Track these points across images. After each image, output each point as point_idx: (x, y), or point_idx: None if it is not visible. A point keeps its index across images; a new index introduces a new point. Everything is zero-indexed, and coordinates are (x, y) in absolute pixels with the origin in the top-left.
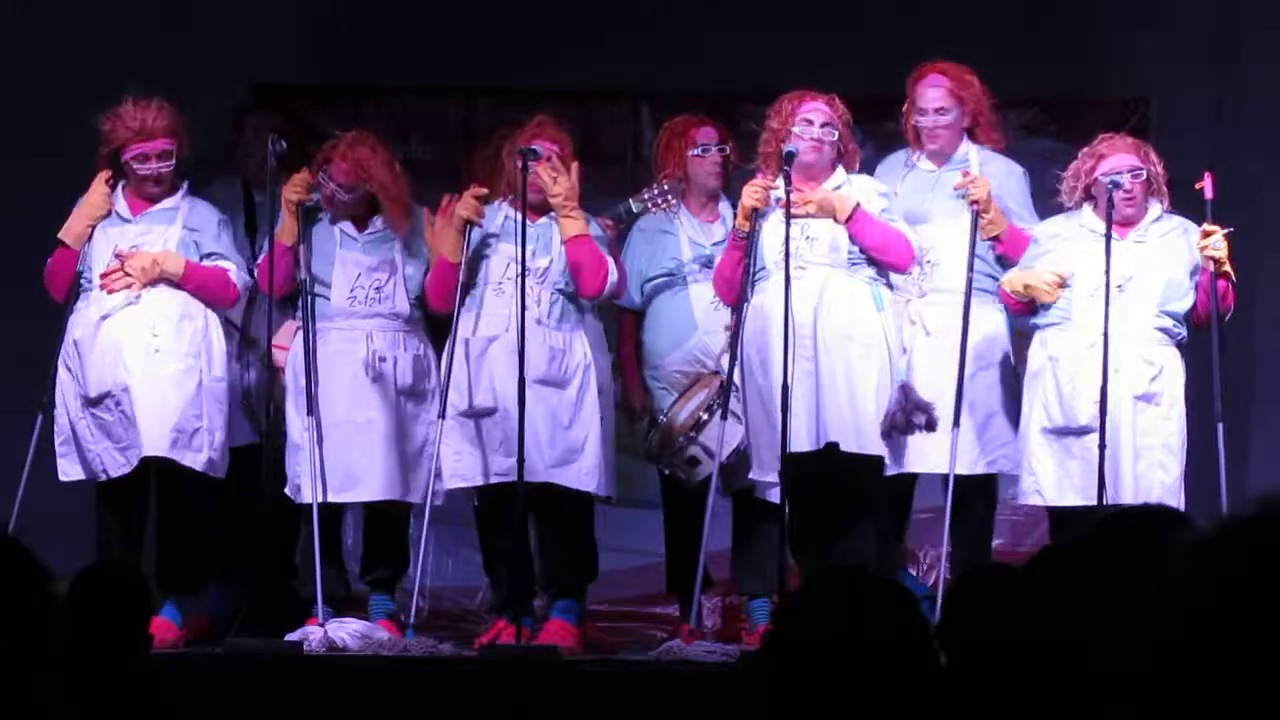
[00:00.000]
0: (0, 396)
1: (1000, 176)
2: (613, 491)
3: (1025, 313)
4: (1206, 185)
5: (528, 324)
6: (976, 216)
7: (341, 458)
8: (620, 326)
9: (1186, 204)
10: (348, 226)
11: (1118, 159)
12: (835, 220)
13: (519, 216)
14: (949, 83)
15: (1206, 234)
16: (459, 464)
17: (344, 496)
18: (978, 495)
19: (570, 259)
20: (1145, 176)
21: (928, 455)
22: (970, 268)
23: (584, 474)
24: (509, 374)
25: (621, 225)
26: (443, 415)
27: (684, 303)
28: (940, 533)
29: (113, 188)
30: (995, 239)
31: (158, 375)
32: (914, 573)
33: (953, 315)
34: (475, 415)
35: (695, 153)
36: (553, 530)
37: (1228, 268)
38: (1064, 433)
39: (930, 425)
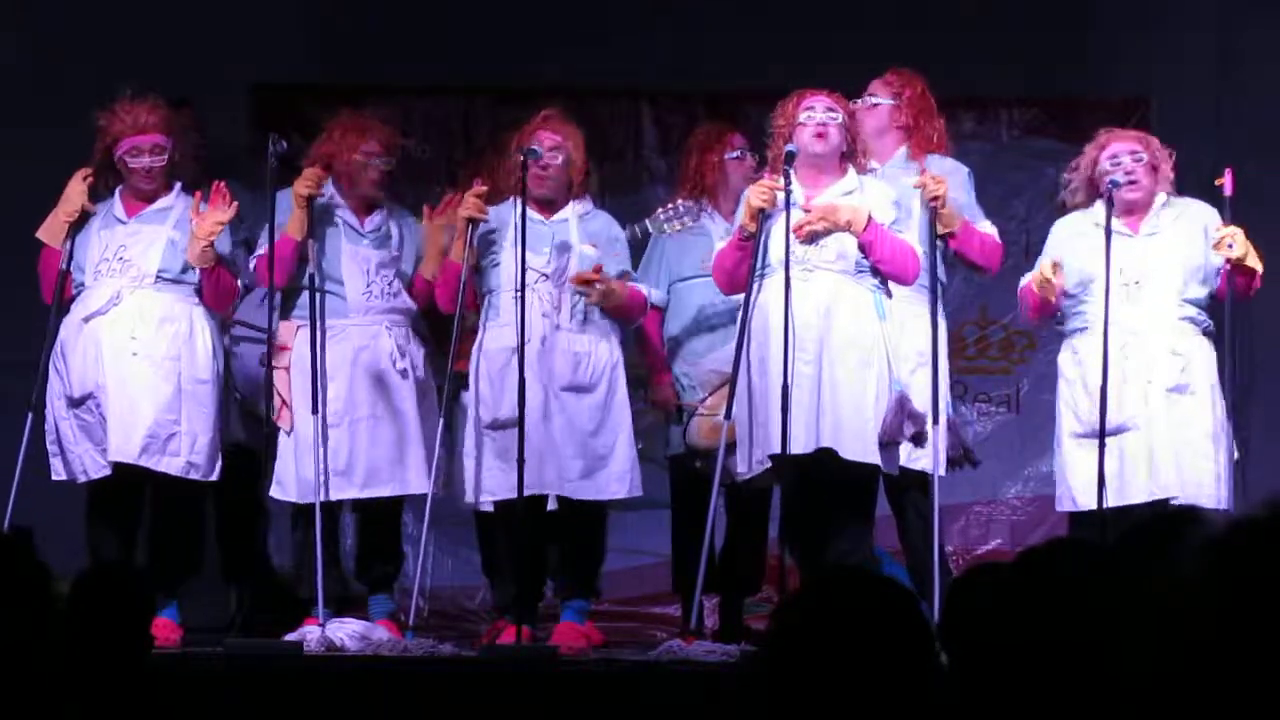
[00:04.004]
0: None
1: (947, 176)
2: (640, 490)
3: (1046, 312)
4: (1226, 182)
5: (547, 330)
6: (934, 214)
7: (368, 453)
8: (646, 324)
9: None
10: (351, 220)
11: (1118, 145)
12: (849, 232)
13: (518, 214)
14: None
15: (1223, 238)
16: (490, 480)
17: (371, 492)
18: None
19: (615, 317)
20: (1146, 160)
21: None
22: (933, 265)
23: (612, 480)
24: (531, 384)
25: (633, 244)
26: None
27: (726, 303)
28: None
29: (110, 190)
30: (950, 235)
31: (132, 380)
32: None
33: (903, 313)
34: (500, 428)
35: (734, 156)
36: (573, 543)
37: (1249, 262)
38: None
39: (919, 439)
